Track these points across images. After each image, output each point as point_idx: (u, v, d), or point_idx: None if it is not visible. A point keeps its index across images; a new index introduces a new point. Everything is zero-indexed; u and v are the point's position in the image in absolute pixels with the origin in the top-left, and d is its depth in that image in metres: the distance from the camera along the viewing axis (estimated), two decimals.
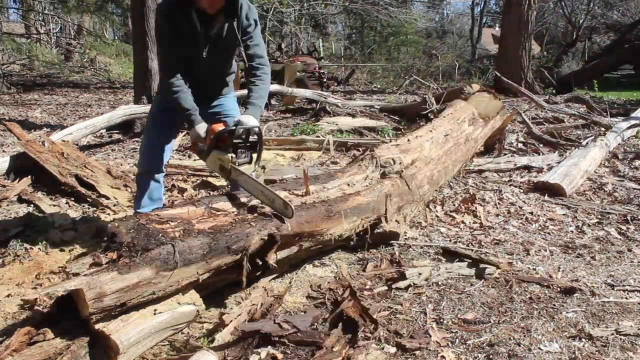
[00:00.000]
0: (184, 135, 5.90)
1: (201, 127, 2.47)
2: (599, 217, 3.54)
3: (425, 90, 10.97)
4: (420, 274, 2.53)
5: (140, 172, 2.84)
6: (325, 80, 11.51)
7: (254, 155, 2.42)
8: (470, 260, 2.69)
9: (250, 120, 2.37)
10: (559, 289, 2.42)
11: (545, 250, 2.94)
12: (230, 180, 2.45)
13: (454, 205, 3.68)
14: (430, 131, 3.81)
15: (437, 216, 3.51)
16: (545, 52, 22.94)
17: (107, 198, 3.79)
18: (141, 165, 2.82)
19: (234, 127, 2.32)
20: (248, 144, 2.37)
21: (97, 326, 1.74)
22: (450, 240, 3.10)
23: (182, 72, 2.50)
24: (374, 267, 2.72)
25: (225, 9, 2.42)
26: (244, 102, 2.57)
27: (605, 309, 2.25)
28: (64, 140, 4.72)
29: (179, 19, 2.41)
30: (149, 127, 2.86)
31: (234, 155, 2.32)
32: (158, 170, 2.81)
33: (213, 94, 2.78)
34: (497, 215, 3.57)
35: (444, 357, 1.89)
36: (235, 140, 2.31)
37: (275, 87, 8.14)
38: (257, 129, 2.38)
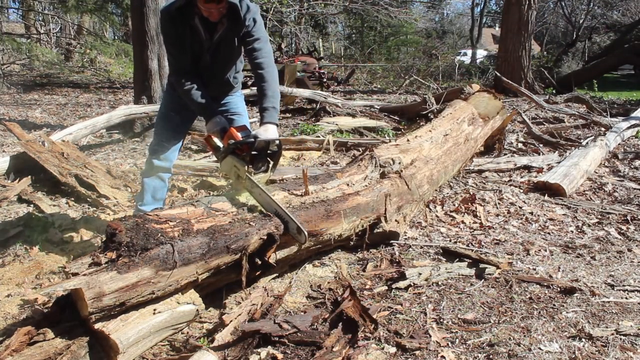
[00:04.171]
0: None
1: (216, 123, 2.47)
2: (599, 217, 3.54)
3: (425, 90, 10.98)
4: (420, 274, 2.53)
5: (147, 170, 2.84)
6: (325, 80, 11.53)
7: (271, 163, 2.38)
8: (470, 260, 2.69)
9: (270, 133, 2.35)
10: (559, 289, 2.42)
11: (545, 250, 2.93)
12: (243, 189, 2.40)
13: (454, 205, 3.68)
14: (430, 131, 3.81)
15: (437, 216, 3.51)
16: (545, 52, 22.94)
17: (107, 198, 3.79)
18: (148, 163, 2.83)
19: (254, 140, 2.28)
20: (266, 154, 2.35)
21: (96, 326, 1.74)
22: (450, 240, 3.09)
23: (192, 69, 2.50)
24: (374, 267, 2.72)
25: (228, 14, 2.42)
26: (259, 108, 2.52)
27: (605, 309, 2.25)
28: (64, 140, 4.72)
29: (181, 23, 2.42)
30: (159, 127, 2.86)
31: (250, 165, 2.30)
32: (165, 169, 2.82)
33: (219, 93, 2.79)
34: (497, 215, 3.57)
35: (444, 357, 1.89)
36: (254, 152, 2.29)
37: None
38: (277, 142, 2.36)
